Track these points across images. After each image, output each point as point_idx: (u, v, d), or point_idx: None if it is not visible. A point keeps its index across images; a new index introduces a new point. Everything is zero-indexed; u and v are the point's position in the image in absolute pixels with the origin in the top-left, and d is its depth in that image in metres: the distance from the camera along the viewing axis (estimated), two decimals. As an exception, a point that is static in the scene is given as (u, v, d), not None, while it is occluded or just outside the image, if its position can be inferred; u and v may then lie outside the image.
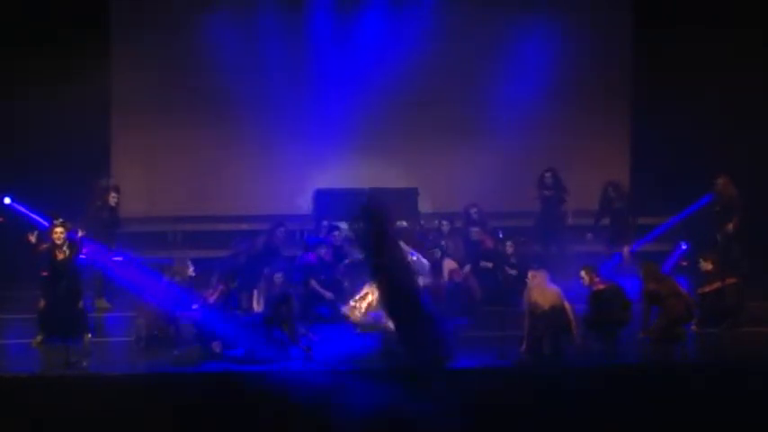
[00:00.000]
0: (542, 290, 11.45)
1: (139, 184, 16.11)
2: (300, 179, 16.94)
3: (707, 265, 12.72)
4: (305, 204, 16.62)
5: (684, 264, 13.33)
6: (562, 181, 15.10)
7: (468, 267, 13.54)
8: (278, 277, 12.34)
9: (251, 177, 16.95)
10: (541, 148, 16.83)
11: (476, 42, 17.11)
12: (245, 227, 15.63)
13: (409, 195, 15.84)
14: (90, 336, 11.69)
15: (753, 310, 12.92)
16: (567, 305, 11.43)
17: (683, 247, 13.91)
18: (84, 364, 11.04)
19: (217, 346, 11.33)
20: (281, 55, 17.14)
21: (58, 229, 11.47)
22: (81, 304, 11.57)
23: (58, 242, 11.44)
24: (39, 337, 11.74)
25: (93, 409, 10.30)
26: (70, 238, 11.47)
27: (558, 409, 10.49)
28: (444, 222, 14.29)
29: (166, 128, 17.15)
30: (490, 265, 13.61)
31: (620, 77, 17.55)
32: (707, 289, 12.61)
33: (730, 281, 12.59)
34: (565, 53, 17.06)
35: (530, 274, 11.71)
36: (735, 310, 12.53)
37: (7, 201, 14.01)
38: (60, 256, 11.42)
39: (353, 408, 10.39)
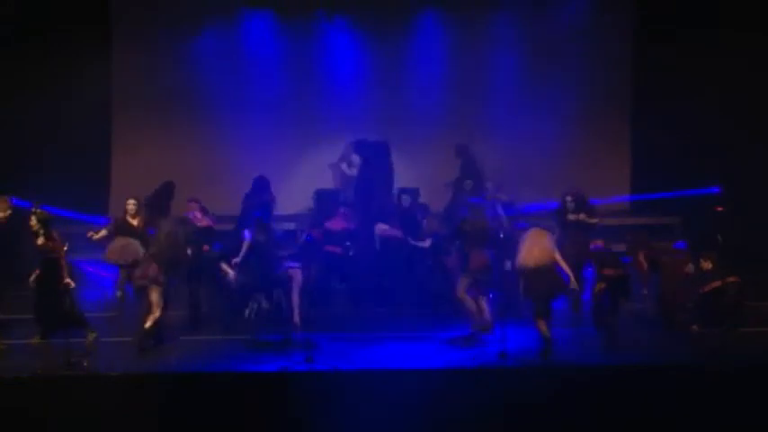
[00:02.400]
0: (531, 249, 11.51)
1: (140, 184, 16.07)
2: (301, 179, 16.96)
3: (706, 264, 12.76)
4: (305, 205, 16.63)
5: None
6: (587, 203, 13.48)
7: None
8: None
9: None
10: (542, 149, 16.88)
11: (476, 46, 17.19)
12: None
13: (411, 196, 15.84)
14: (94, 335, 11.71)
15: (753, 310, 12.93)
16: (560, 260, 11.48)
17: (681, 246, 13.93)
18: (85, 364, 11.05)
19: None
20: (283, 55, 17.19)
21: (33, 218, 11.58)
22: (69, 298, 11.58)
23: (34, 230, 11.52)
24: (38, 337, 11.75)
25: (93, 409, 10.31)
26: (45, 227, 11.56)
27: (559, 408, 10.49)
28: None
29: (167, 128, 17.18)
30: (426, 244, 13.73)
31: (621, 78, 17.57)
32: (707, 288, 12.65)
33: (731, 279, 12.63)
34: (565, 55, 17.10)
35: (527, 233, 11.78)
36: (735, 309, 12.56)
37: None
38: (39, 242, 11.51)
39: (356, 408, 10.42)
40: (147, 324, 11.79)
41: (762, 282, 14.02)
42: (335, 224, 14.12)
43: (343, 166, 16.60)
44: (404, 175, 16.14)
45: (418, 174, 16.54)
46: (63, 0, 16.45)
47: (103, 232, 13.20)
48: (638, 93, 17.55)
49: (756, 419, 10.51)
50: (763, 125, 16.33)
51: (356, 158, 16.23)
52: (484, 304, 12.18)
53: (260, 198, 14.61)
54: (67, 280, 11.52)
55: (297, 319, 12.49)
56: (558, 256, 11.51)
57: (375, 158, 15.71)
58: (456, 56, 17.26)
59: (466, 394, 10.58)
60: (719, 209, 15.29)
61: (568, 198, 13.22)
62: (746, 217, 15.54)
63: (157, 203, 14.72)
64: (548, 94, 17.08)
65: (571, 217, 13.09)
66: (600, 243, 12.59)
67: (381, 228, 14.24)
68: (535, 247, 11.52)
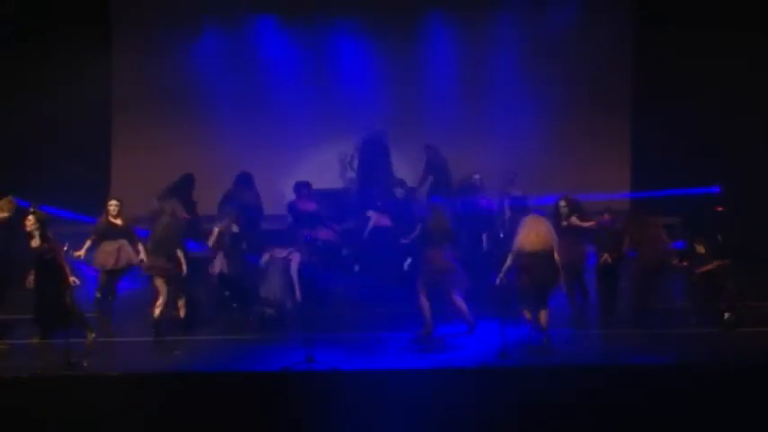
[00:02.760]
0: (528, 234, 11.73)
1: (140, 184, 16.09)
2: (300, 179, 16.95)
3: (700, 248, 13.06)
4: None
5: (684, 264, 13.36)
6: (581, 208, 13.13)
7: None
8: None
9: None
10: (542, 149, 16.88)
11: (476, 46, 17.19)
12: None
13: (404, 188, 15.86)
14: (94, 335, 11.75)
15: (753, 310, 12.94)
16: (556, 255, 11.73)
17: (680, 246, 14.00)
18: (85, 364, 11.05)
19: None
20: (283, 55, 17.19)
21: (30, 218, 11.65)
22: (69, 298, 11.60)
23: (29, 229, 11.62)
24: (38, 337, 11.76)
25: (93, 409, 10.31)
26: (42, 228, 11.60)
27: (559, 409, 10.48)
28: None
29: (167, 128, 17.18)
30: None
31: (620, 77, 17.57)
32: (700, 270, 12.88)
33: (722, 262, 12.85)
34: (565, 55, 17.10)
35: (525, 218, 12.06)
36: (729, 293, 12.75)
37: None
38: (33, 244, 11.60)
39: (356, 408, 10.42)
40: (158, 312, 12.25)
41: (762, 282, 14.02)
42: (307, 206, 14.21)
43: (347, 157, 16.66)
44: (404, 175, 16.16)
45: (418, 173, 16.54)
46: (63, 0, 16.46)
47: (88, 244, 12.91)
48: (638, 93, 17.53)
49: (756, 419, 10.50)
50: (764, 125, 16.32)
51: (356, 148, 16.35)
52: (462, 305, 12.27)
53: (243, 194, 14.66)
54: (72, 278, 11.57)
55: (298, 294, 12.80)
56: (555, 245, 11.72)
57: (374, 147, 15.86)
58: (456, 56, 17.25)
59: (466, 394, 10.57)
60: (719, 209, 15.28)
61: (562, 203, 13.01)
62: (746, 217, 15.53)
63: (177, 197, 14.69)
64: (548, 93, 17.06)
65: (564, 223, 12.89)
66: (607, 218, 13.08)
67: (371, 215, 14.36)
68: (532, 233, 11.72)
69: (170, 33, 16.93)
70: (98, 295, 12.91)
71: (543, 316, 11.76)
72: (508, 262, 11.83)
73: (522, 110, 17.09)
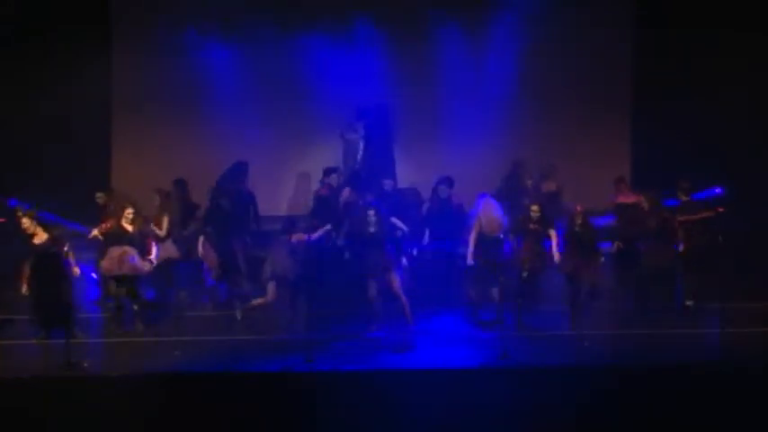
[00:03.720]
0: (486, 217, 12.61)
1: (140, 184, 16.10)
2: (301, 179, 16.97)
3: (682, 196, 13.69)
4: (305, 204, 16.63)
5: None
6: (548, 218, 13.43)
7: None
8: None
9: (251, 177, 16.95)
10: (542, 149, 16.87)
11: (476, 46, 17.17)
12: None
13: (394, 181, 15.87)
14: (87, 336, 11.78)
15: (753, 311, 12.95)
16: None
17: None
18: (85, 364, 11.06)
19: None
20: (283, 55, 17.18)
21: (24, 220, 11.70)
22: (69, 297, 11.61)
23: (29, 230, 11.69)
24: (39, 338, 11.77)
25: (93, 409, 10.32)
26: (44, 224, 11.63)
27: (559, 409, 10.50)
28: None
29: (167, 127, 17.19)
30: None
31: (620, 77, 17.57)
32: (683, 218, 13.39)
33: (706, 213, 13.48)
34: (565, 53, 17.11)
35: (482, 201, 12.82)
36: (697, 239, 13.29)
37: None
38: (37, 241, 11.66)
39: (356, 408, 10.43)
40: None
41: (762, 282, 14.03)
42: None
43: (349, 135, 16.60)
44: (407, 176, 16.17)
45: (422, 175, 16.55)
46: (63, 0, 16.47)
47: (95, 232, 12.91)
48: (638, 93, 17.54)
49: (756, 419, 10.51)
50: (764, 125, 16.33)
51: (359, 124, 16.37)
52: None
53: (235, 186, 14.76)
54: (75, 268, 11.61)
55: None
56: (504, 228, 12.70)
57: (377, 120, 16.19)
58: (457, 56, 17.24)
59: (466, 394, 10.59)
60: (720, 209, 15.28)
61: (534, 208, 13.21)
62: (747, 217, 15.54)
63: (231, 185, 14.75)
64: (548, 94, 17.10)
65: (532, 227, 13.08)
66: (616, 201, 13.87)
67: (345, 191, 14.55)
68: (489, 216, 12.62)
69: (170, 33, 16.92)
70: (114, 303, 12.87)
71: (495, 293, 12.55)
72: (472, 244, 12.60)
73: (521, 111, 17.11)
